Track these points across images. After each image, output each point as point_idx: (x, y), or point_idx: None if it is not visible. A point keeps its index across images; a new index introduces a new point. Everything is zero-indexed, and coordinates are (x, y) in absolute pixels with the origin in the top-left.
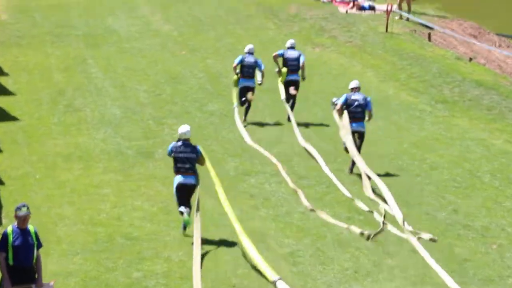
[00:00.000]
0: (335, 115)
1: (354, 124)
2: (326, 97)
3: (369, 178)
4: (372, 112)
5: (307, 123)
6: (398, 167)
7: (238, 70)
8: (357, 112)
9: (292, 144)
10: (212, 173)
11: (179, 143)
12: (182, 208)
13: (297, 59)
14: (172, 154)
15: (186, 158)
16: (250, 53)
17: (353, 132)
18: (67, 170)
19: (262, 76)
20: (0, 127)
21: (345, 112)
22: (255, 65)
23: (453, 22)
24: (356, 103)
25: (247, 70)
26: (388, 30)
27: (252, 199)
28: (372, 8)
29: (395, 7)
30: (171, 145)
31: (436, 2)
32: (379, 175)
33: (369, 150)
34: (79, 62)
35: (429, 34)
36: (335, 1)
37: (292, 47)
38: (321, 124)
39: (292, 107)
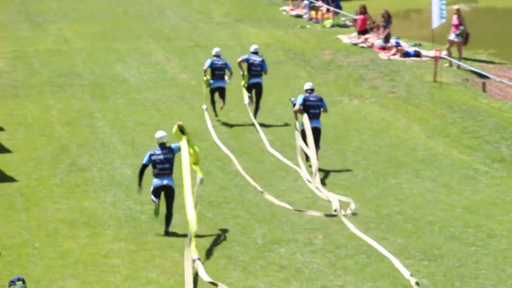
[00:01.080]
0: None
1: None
2: (366, 156)
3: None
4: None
5: (348, 185)
6: (449, 235)
7: (208, 73)
8: (315, 112)
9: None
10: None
11: (157, 148)
12: (155, 198)
13: (260, 64)
14: (152, 158)
15: (165, 159)
16: (218, 56)
17: (312, 129)
18: (71, 238)
19: (231, 75)
20: None
21: (305, 114)
22: (225, 67)
23: (511, 70)
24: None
25: (218, 73)
26: (437, 79)
27: (283, 271)
28: (417, 54)
29: (443, 53)
30: (147, 153)
31: (490, 47)
32: (427, 243)
33: (415, 215)
34: (84, 115)
35: (484, 84)
36: (376, 46)
37: (255, 52)
38: (361, 186)
39: (256, 110)
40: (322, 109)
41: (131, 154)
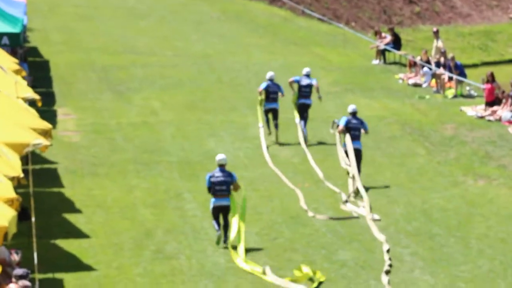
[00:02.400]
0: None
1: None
2: (492, 244)
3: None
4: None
5: (471, 278)
6: None
7: (263, 95)
8: (357, 134)
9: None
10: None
11: (216, 170)
12: (216, 225)
13: (309, 85)
14: (211, 180)
15: (223, 181)
16: (272, 80)
17: (354, 150)
18: None
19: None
20: (70, 279)
21: (348, 135)
22: (278, 90)
23: None
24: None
25: (272, 96)
26: None
27: None
28: None
29: None
30: (207, 175)
31: None
32: None
33: None
34: (172, 196)
35: None
36: (504, 120)
37: (307, 75)
38: (487, 278)
39: (304, 124)
40: (363, 130)
41: None
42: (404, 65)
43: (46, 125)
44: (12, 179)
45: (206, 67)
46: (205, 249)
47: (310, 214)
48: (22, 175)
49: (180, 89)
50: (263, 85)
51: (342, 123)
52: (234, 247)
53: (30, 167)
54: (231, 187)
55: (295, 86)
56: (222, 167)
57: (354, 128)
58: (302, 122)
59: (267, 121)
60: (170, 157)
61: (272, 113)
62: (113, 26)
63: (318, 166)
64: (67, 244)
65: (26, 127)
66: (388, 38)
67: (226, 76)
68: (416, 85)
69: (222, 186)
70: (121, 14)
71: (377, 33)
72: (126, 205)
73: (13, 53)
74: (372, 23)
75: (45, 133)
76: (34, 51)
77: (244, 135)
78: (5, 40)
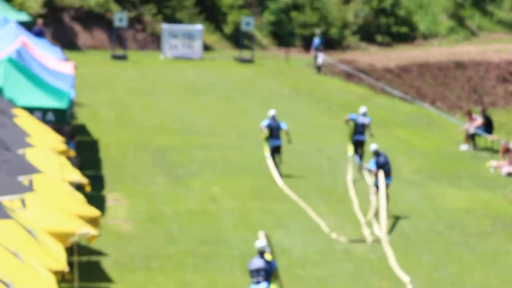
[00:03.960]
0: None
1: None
2: None
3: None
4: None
5: None
6: None
7: (266, 131)
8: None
9: None
10: None
11: (255, 256)
12: None
13: (363, 124)
14: (249, 267)
15: (261, 269)
16: (274, 118)
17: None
18: None
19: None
20: None
21: (381, 172)
22: (279, 127)
23: None
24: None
25: (275, 132)
26: None
27: None
28: None
29: None
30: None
31: None
32: None
33: None
34: None
35: None
36: None
37: (364, 114)
38: None
39: (360, 159)
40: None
41: None
42: (497, 152)
43: (94, 212)
44: (55, 273)
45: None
46: None
47: None
48: (67, 269)
49: (243, 174)
50: (265, 123)
51: (373, 167)
52: None
53: (76, 259)
54: (271, 275)
55: (351, 123)
56: (261, 253)
57: (383, 166)
58: (357, 157)
59: (274, 159)
60: (231, 250)
61: (275, 150)
62: (170, 102)
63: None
64: None
65: (72, 214)
66: (479, 120)
67: (295, 160)
68: (510, 174)
69: (259, 273)
70: (179, 89)
71: (467, 115)
72: None
73: (58, 130)
74: (461, 104)
75: (93, 221)
76: (82, 129)
77: (315, 226)
78: (50, 116)
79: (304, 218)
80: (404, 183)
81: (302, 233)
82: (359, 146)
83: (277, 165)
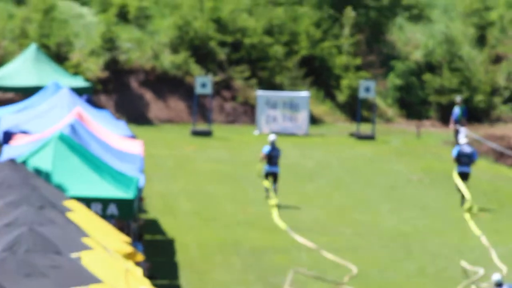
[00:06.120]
0: None
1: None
2: None
3: None
4: None
5: None
6: None
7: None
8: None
9: None
10: None
11: None
12: None
13: (469, 154)
14: None
15: None
16: (273, 144)
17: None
18: None
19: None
20: None
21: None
22: (279, 155)
23: None
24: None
25: (273, 160)
26: None
27: None
28: None
29: None
30: None
31: None
32: None
33: None
34: None
35: None
36: None
37: (467, 143)
38: None
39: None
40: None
41: None
42: None
43: None
44: None
45: (401, 252)
46: None
47: None
48: None
49: (363, 282)
50: (266, 150)
51: (455, 154)
52: None
53: None
54: None
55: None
56: None
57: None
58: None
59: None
60: None
61: (272, 177)
62: None
63: None
64: None
65: None
66: None
67: (431, 266)
68: None
69: None
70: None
71: None
72: None
73: (123, 228)
74: None
75: None
76: (154, 226)
77: None
78: (113, 209)
79: None
80: None
81: None
82: (465, 178)
83: (268, 190)
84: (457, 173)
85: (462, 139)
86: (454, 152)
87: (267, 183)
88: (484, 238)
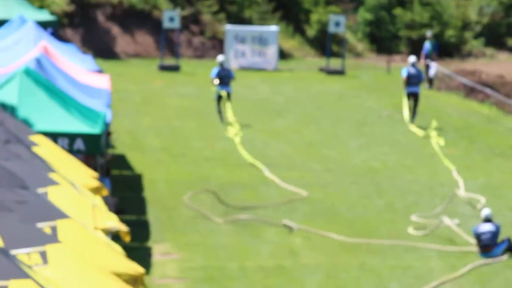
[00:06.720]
0: None
1: None
2: None
3: None
4: None
5: None
6: None
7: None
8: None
9: None
10: None
11: None
12: None
13: (417, 75)
14: None
15: None
16: (222, 64)
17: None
18: None
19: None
20: None
21: None
22: (229, 74)
23: None
24: None
25: (224, 80)
26: None
27: None
28: None
29: None
30: None
31: None
32: None
33: None
34: None
35: None
36: None
37: (413, 65)
38: None
39: (413, 115)
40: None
41: None
42: None
43: (136, 269)
44: None
45: (370, 188)
46: None
47: None
48: None
49: (332, 219)
50: (215, 71)
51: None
52: None
53: None
54: None
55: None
56: None
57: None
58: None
59: (219, 106)
60: None
61: (226, 96)
62: (236, 126)
63: None
64: None
65: (107, 271)
66: None
67: (399, 202)
68: None
69: None
70: (247, 109)
71: None
72: None
73: (90, 163)
74: None
75: (135, 281)
76: (121, 161)
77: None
78: (80, 144)
79: (410, 276)
80: None
81: None
82: (413, 98)
83: (221, 112)
84: (406, 94)
85: (411, 58)
86: (404, 73)
87: (221, 106)
88: (455, 173)
